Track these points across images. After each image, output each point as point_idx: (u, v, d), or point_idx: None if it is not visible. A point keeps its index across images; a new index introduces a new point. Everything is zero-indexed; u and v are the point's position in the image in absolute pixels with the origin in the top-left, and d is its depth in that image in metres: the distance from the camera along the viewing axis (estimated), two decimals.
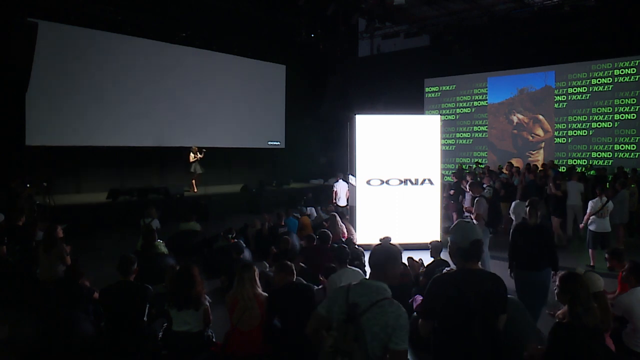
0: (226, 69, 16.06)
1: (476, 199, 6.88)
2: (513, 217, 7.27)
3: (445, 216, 9.88)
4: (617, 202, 8.93)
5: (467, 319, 2.41)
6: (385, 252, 2.46)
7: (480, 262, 2.64)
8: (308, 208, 11.10)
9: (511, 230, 4.99)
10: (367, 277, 2.51)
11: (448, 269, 4.97)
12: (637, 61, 13.10)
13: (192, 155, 13.73)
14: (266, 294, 4.07)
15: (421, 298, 4.09)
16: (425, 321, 2.56)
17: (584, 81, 14.05)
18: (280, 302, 4.04)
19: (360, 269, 6.64)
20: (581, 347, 2.79)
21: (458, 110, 16.79)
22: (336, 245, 5.49)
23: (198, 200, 12.74)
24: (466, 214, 7.71)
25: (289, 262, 4.38)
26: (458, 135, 16.76)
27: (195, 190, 13.87)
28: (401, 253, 2.53)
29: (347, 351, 2.19)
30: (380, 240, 2.54)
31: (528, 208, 4.73)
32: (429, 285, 2.60)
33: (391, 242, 2.52)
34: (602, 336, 3.11)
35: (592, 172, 12.73)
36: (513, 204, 7.45)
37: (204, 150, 13.89)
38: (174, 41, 14.66)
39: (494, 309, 2.47)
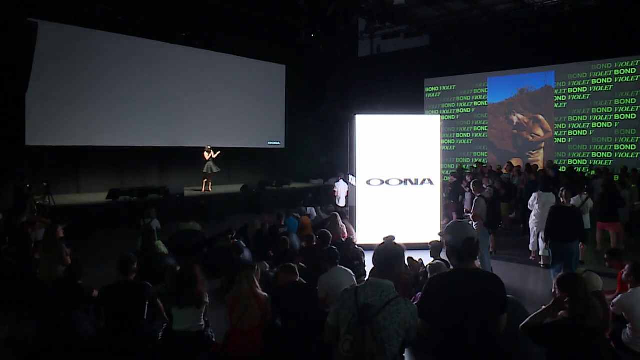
0: (226, 69, 16.05)
1: (475, 199, 6.88)
2: (534, 206, 7.88)
3: (445, 216, 9.88)
4: None
5: (465, 319, 2.41)
6: (392, 251, 2.49)
7: (479, 263, 2.65)
8: (308, 208, 11.09)
9: (549, 212, 6.23)
10: (369, 276, 2.50)
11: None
12: (637, 61, 13.11)
13: (206, 154, 13.72)
14: (266, 294, 4.08)
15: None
16: (423, 321, 2.56)
17: (584, 81, 14.06)
18: (283, 301, 4.05)
19: (360, 269, 6.68)
20: (583, 347, 2.79)
21: (458, 110, 16.79)
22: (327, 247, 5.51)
23: (198, 200, 12.75)
24: (466, 214, 7.73)
25: (292, 264, 4.40)
26: (458, 135, 16.76)
27: (203, 190, 13.83)
28: (404, 251, 2.55)
29: (368, 352, 2.20)
30: (384, 239, 2.55)
31: (563, 194, 6.14)
32: (426, 285, 2.61)
33: (395, 241, 2.54)
34: (604, 336, 3.11)
35: (592, 173, 12.73)
36: (534, 194, 7.97)
37: (219, 152, 13.90)
38: (174, 41, 14.65)
39: (492, 308, 2.46)
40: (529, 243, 8.15)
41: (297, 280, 4.29)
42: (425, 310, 2.55)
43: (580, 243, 6.11)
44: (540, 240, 7.78)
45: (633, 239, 9.42)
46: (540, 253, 7.88)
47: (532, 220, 7.97)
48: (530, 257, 8.14)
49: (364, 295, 2.36)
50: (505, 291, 2.53)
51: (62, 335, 4.03)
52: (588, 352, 2.80)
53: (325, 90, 18.75)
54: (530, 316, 3.05)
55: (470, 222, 6.08)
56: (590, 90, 13.93)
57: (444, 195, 10.69)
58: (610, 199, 8.43)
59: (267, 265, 6.49)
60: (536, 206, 7.83)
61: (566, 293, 3.01)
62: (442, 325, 2.48)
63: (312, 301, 4.16)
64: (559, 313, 3.10)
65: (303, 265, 5.72)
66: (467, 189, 9.91)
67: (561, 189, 6.33)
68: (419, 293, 4.75)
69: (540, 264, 7.82)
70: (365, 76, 18.24)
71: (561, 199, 6.21)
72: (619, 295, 4.11)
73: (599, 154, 13.76)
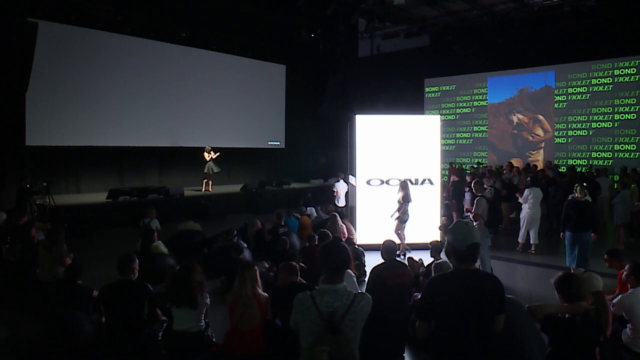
0: (226, 69, 16.05)
1: (476, 199, 6.88)
2: (529, 200, 8.58)
3: (446, 216, 9.88)
4: (618, 202, 8.97)
5: (464, 319, 2.41)
6: (345, 253, 2.48)
7: (479, 263, 2.64)
8: (308, 208, 11.09)
9: (564, 204, 6.92)
10: (323, 279, 2.47)
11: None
12: (637, 61, 13.11)
13: (206, 154, 13.70)
14: (266, 294, 4.08)
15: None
16: (422, 322, 2.56)
17: (584, 81, 14.06)
18: (283, 301, 4.05)
19: (360, 269, 6.68)
20: (583, 342, 2.80)
21: (458, 110, 16.79)
22: None
23: (198, 200, 12.75)
24: (467, 213, 7.74)
25: (293, 263, 4.40)
26: (458, 135, 16.76)
27: (203, 190, 13.82)
28: (350, 253, 2.55)
29: (347, 357, 2.26)
30: (333, 237, 2.57)
31: (578, 188, 6.81)
32: (425, 286, 2.60)
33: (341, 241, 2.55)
34: (605, 333, 3.12)
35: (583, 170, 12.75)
36: (527, 190, 8.69)
37: (218, 153, 13.87)
38: (174, 41, 14.64)
39: (491, 308, 2.47)
40: (519, 234, 8.85)
41: (297, 280, 4.28)
42: (424, 311, 2.55)
43: (593, 234, 6.71)
44: (531, 231, 8.59)
45: (633, 239, 9.43)
46: (532, 242, 8.57)
47: (526, 212, 8.64)
48: (517, 248, 8.76)
49: (325, 304, 2.34)
50: (504, 291, 2.53)
51: (62, 335, 4.02)
52: (587, 347, 2.82)
53: (325, 90, 18.75)
54: (546, 304, 3.06)
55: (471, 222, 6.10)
56: (590, 90, 13.93)
57: (444, 195, 10.69)
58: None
59: (267, 265, 6.50)
60: (530, 200, 8.57)
61: (562, 294, 3.03)
62: (442, 325, 2.48)
63: None
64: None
65: (303, 265, 5.72)
66: (467, 189, 9.92)
67: (575, 185, 7.05)
68: (417, 293, 4.76)
69: (530, 252, 8.58)
70: (365, 76, 18.25)
71: (575, 194, 6.89)
72: (619, 296, 4.10)
73: (599, 154, 13.76)
